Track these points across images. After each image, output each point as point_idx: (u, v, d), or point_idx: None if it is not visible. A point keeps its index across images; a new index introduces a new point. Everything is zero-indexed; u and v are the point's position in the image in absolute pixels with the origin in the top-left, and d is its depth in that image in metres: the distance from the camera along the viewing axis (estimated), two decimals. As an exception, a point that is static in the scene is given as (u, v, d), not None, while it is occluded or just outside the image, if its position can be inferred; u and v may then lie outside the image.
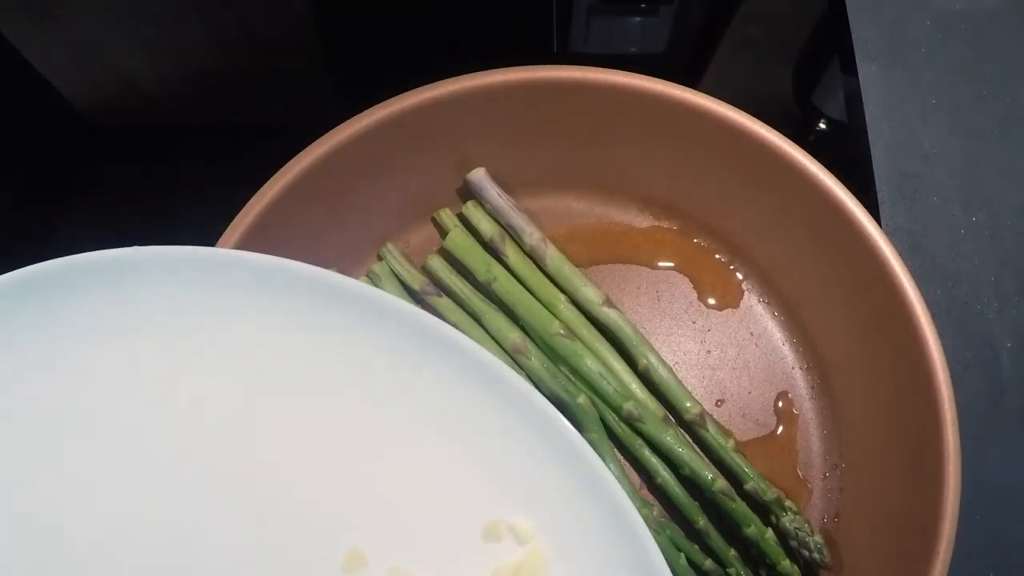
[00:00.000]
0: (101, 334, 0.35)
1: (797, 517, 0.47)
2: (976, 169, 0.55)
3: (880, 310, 0.47)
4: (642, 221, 0.56)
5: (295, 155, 0.47)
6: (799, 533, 0.47)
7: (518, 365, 0.50)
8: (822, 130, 0.64)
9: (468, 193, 0.54)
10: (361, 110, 0.48)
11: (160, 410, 0.36)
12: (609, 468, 0.36)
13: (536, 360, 0.50)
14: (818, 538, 0.47)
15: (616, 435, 0.49)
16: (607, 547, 0.35)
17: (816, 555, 0.47)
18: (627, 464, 0.50)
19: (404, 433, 0.37)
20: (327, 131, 0.47)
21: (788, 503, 0.48)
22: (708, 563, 0.47)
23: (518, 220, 0.52)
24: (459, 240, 0.52)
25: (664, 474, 0.48)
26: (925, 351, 0.45)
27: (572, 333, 0.50)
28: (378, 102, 0.48)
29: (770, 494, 0.47)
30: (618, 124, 0.51)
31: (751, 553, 0.48)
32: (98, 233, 0.61)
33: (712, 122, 0.49)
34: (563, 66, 0.49)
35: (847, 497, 0.50)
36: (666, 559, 0.46)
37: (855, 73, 0.57)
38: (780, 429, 0.52)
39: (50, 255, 0.36)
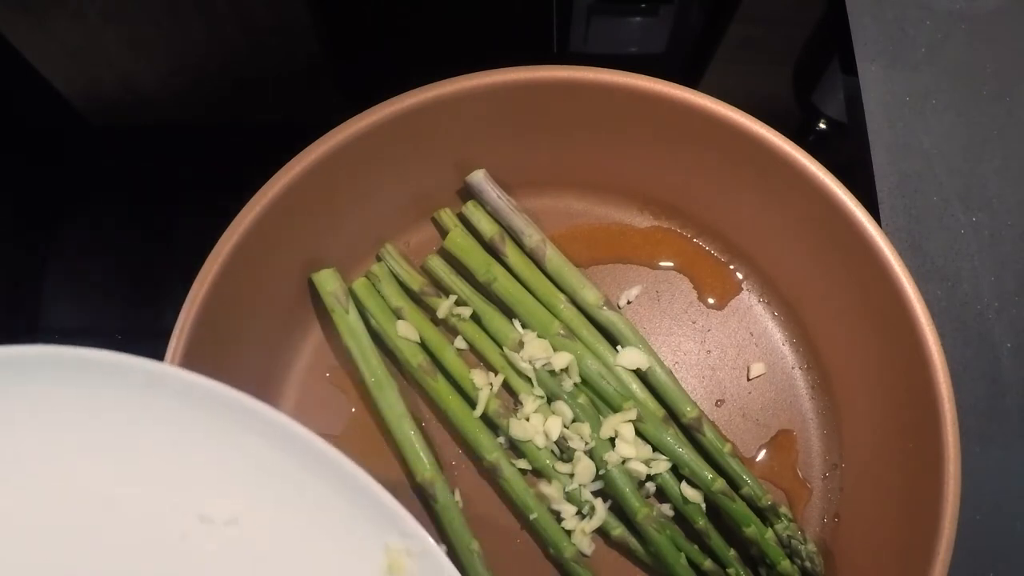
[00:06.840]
0: None
1: (791, 524, 0.47)
2: (976, 169, 0.55)
3: (880, 310, 0.47)
4: (642, 221, 0.56)
5: (295, 155, 0.47)
6: (792, 541, 0.47)
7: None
8: (822, 130, 0.64)
9: (468, 193, 0.54)
10: (361, 110, 0.48)
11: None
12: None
13: (536, 360, 0.50)
14: (811, 546, 0.47)
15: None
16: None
17: (808, 563, 0.47)
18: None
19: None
20: (327, 131, 0.47)
21: (783, 510, 0.48)
22: (708, 563, 0.47)
23: (518, 221, 0.52)
24: (459, 240, 0.52)
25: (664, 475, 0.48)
26: (925, 351, 0.45)
27: (572, 333, 0.50)
28: (378, 102, 0.48)
29: (765, 500, 0.47)
30: (618, 124, 0.51)
31: (751, 553, 0.48)
32: (98, 232, 0.62)
33: (712, 122, 0.49)
34: (563, 66, 0.49)
35: (847, 497, 0.50)
36: (666, 559, 0.46)
37: (855, 73, 0.57)
38: (780, 429, 0.52)
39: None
